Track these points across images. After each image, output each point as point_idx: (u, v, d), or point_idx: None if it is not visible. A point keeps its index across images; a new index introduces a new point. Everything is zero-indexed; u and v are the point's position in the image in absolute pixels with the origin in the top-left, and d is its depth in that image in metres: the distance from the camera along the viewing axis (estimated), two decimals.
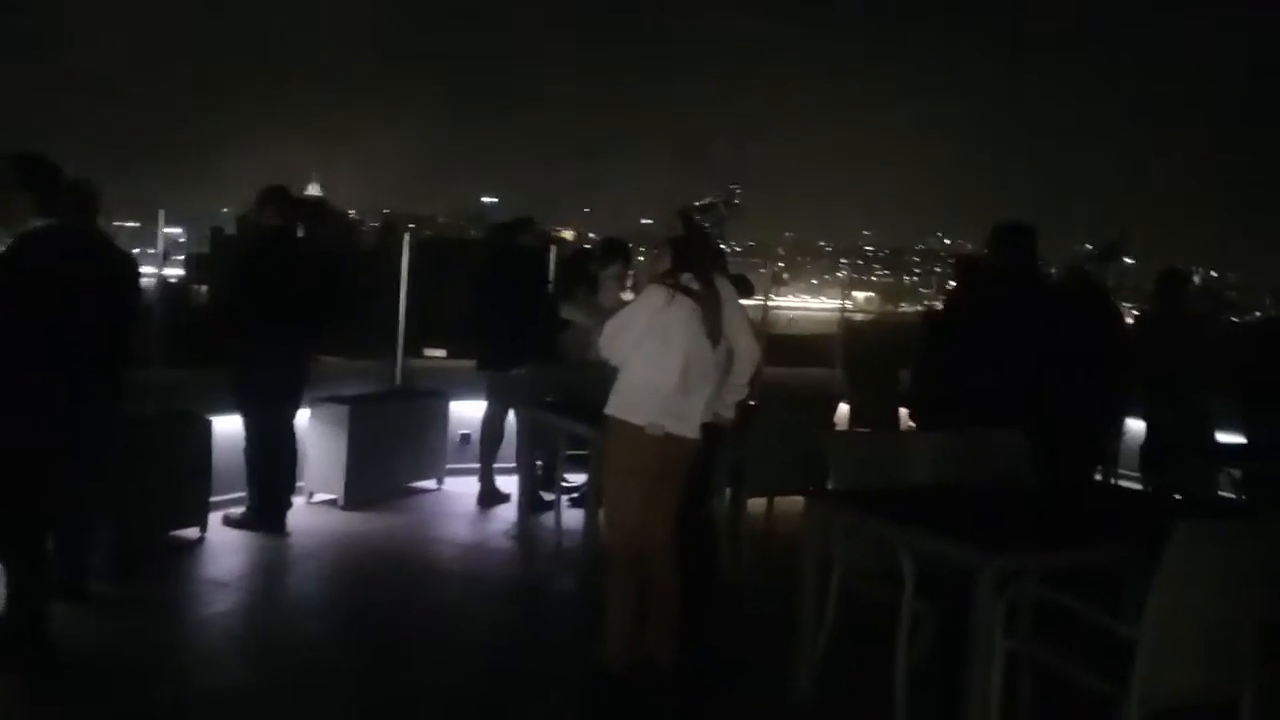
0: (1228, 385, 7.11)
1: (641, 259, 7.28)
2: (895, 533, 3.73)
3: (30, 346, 4.07)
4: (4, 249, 4.13)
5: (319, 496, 6.84)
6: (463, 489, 7.38)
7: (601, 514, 4.64)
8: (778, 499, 6.65)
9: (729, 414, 4.39)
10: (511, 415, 7.07)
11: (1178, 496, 5.59)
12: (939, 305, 6.80)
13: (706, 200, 4.45)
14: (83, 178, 4.60)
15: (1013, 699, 3.76)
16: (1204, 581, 3.13)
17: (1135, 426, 7.48)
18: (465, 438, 7.74)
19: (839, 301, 12.63)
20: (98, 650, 4.38)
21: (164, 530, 5.77)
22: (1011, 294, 5.30)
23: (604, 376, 4.29)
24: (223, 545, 5.84)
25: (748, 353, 4.29)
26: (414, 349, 8.20)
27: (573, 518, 6.45)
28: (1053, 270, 6.95)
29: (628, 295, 6.57)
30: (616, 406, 4.13)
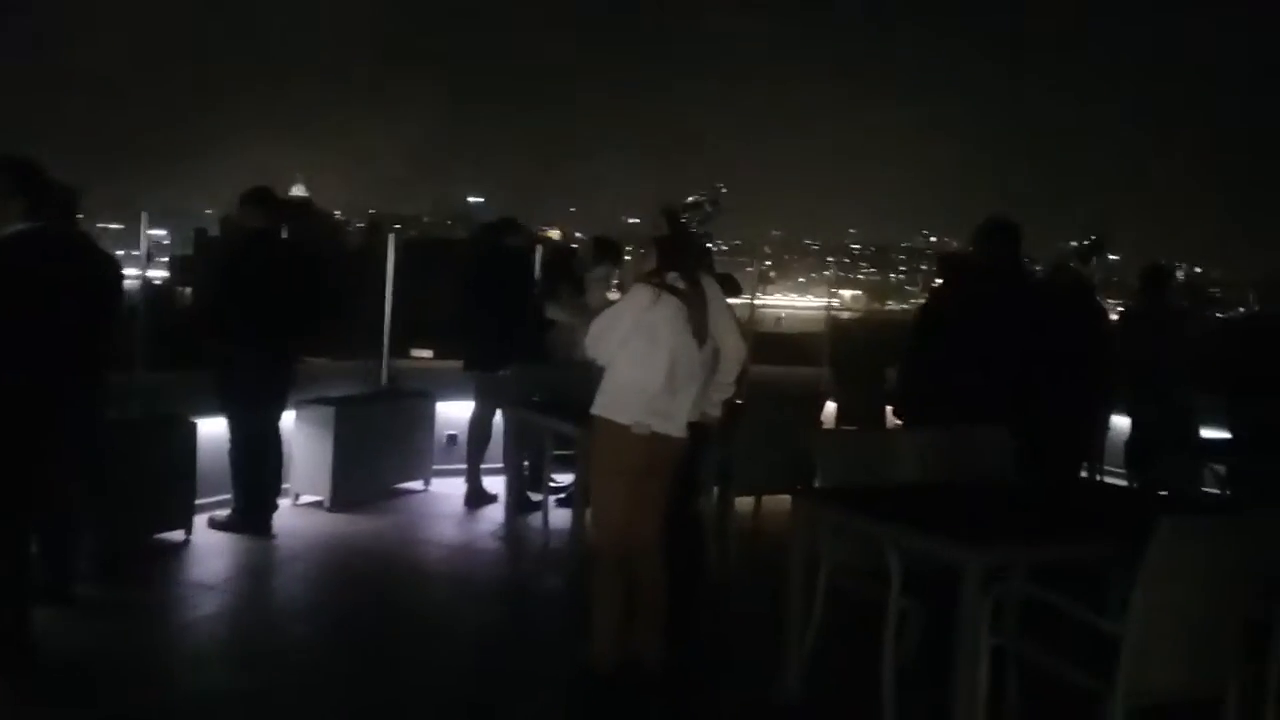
0: (1211, 381, 7.14)
1: (629, 259, 7.29)
2: (881, 530, 3.74)
3: (13, 348, 4.06)
4: None
5: (305, 498, 6.82)
6: (450, 490, 7.37)
7: (589, 514, 4.64)
8: (765, 497, 6.66)
9: (716, 413, 4.39)
10: (498, 416, 7.06)
11: (1162, 492, 5.62)
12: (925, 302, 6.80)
13: (692, 199, 4.44)
14: (58, 180, 4.58)
15: (999, 695, 3.77)
16: (1188, 577, 3.14)
17: (1120, 423, 7.52)
18: (452, 438, 7.73)
19: (825, 300, 12.64)
20: (82, 653, 4.36)
21: (149, 533, 5.75)
22: (997, 291, 5.31)
23: (590, 376, 4.28)
24: (208, 548, 5.82)
25: (734, 351, 4.29)
26: (401, 350, 8.18)
27: (560, 518, 6.45)
28: (1038, 267, 6.97)
29: (614, 295, 6.57)
30: (602, 406, 4.13)
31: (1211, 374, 7.20)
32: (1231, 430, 6.79)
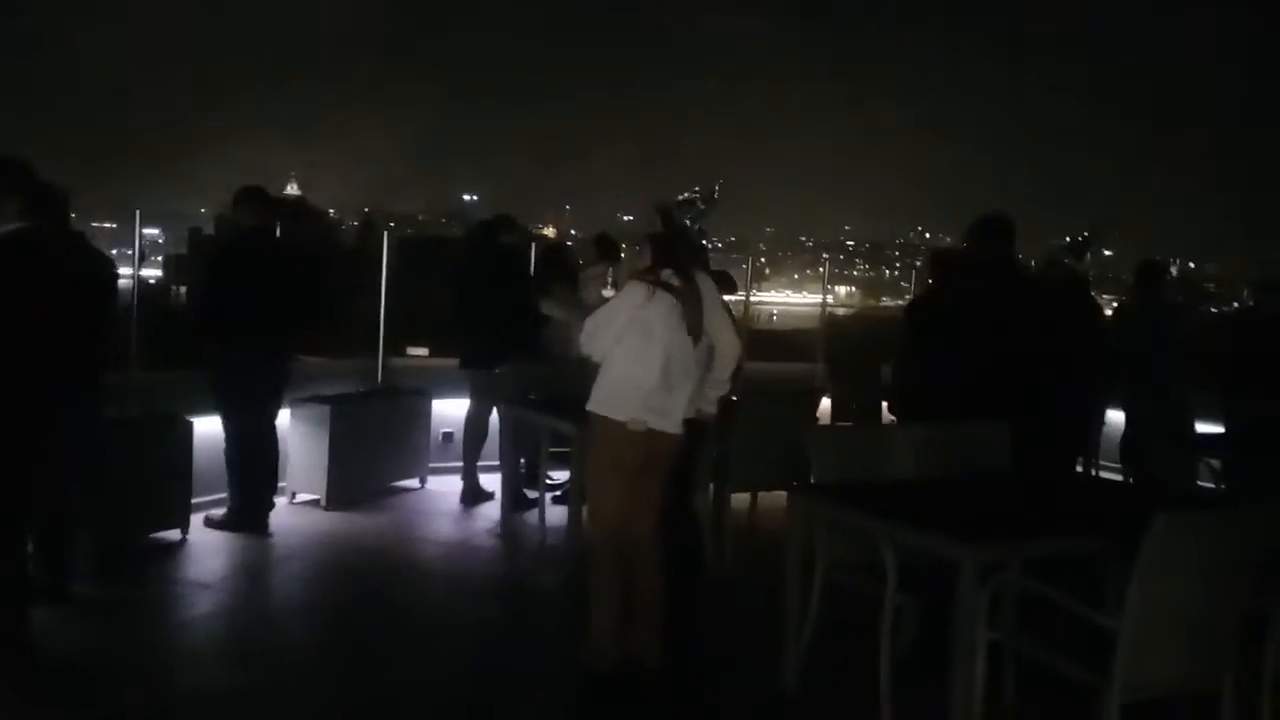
0: (1206, 375, 7.16)
1: (625, 257, 7.29)
2: (877, 526, 3.74)
3: (10, 348, 4.06)
4: None
5: (301, 496, 6.82)
6: (446, 488, 7.37)
7: (585, 511, 4.64)
8: (761, 494, 6.67)
9: (711, 409, 4.39)
10: (494, 413, 7.06)
11: (1158, 487, 5.63)
12: (913, 298, 6.81)
13: (685, 196, 4.44)
14: (50, 181, 4.59)
15: (996, 690, 3.78)
16: (1183, 572, 3.15)
17: (1115, 418, 7.53)
18: (448, 436, 7.73)
19: (820, 296, 12.65)
20: (80, 653, 4.35)
21: (145, 532, 5.74)
22: (991, 286, 5.31)
23: (586, 373, 4.29)
24: (205, 547, 5.82)
25: (729, 348, 4.29)
26: (396, 348, 8.18)
27: (556, 515, 6.45)
28: (1032, 263, 6.98)
29: (609, 292, 6.57)
30: (598, 403, 4.13)
31: (1206, 369, 7.22)
32: (1226, 425, 6.81)
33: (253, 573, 5.65)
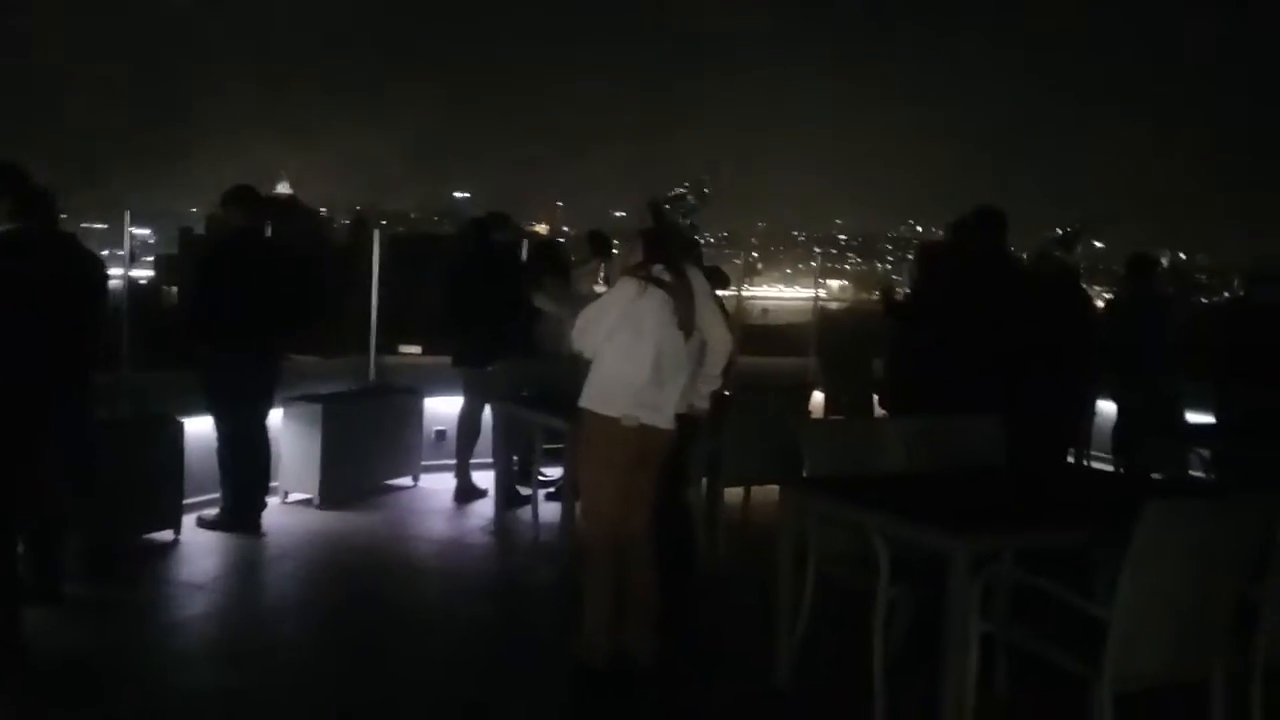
0: (1197, 366, 7.18)
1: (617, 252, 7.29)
2: (869, 519, 3.75)
3: (1, 348, 4.05)
4: None
5: (294, 496, 6.81)
6: (439, 485, 7.36)
7: (578, 507, 4.64)
8: (754, 488, 6.67)
9: (703, 405, 4.39)
10: (487, 411, 7.06)
11: (1149, 477, 5.65)
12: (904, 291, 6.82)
13: (676, 191, 4.44)
14: (38, 182, 4.58)
15: (989, 681, 3.79)
16: (1174, 561, 3.15)
17: (1106, 408, 7.55)
18: (441, 434, 7.73)
19: (813, 290, 12.66)
20: (72, 653, 4.35)
21: (137, 532, 5.73)
22: (983, 279, 5.32)
23: (578, 370, 4.29)
24: (197, 547, 5.81)
25: (720, 343, 4.29)
26: (389, 346, 8.17)
27: (550, 512, 6.46)
28: (1024, 256, 6.99)
29: (600, 288, 6.58)
30: (590, 399, 4.13)
31: (1197, 359, 7.24)
32: (1217, 415, 6.83)
33: (245, 573, 5.64)
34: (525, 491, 6.79)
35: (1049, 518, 3.84)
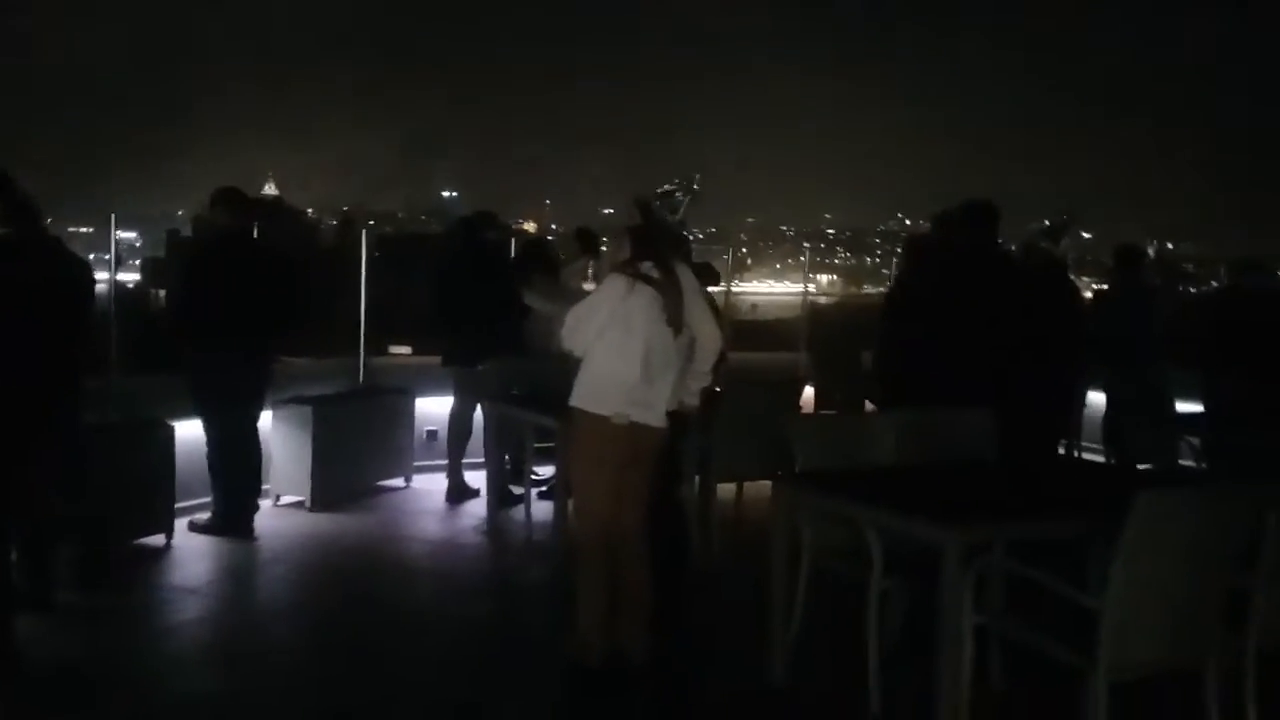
0: (1186, 356, 7.20)
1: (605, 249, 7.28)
2: (861, 513, 3.75)
3: None
4: None
5: (286, 499, 6.79)
6: (431, 486, 7.35)
7: (571, 506, 4.64)
8: (746, 484, 6.67)
9: (694, 401, 4.39)
10: (478, 410, 7.05)
11: (1140, 467, 5.66)
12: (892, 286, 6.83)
13: (664, 188, 4.44)
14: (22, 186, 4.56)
15: (983, 674, 3.80)
16: (1166, 551, 3.16)
17: (1096, 399, 7.57)
18: (432, 434, 7.71)
19: (802, 285, 12.68)
20: (65, 660, 4.33)
21: (129, 537, 5.71)
22: (972, 271, 5.33)
23: (569, 368, 4.28)
24: (189, 551, 5.79)
25: (710, 340, 4.29)
26: (378, 347, 8.15)
27: (542, 511, 6.45)
28: (1013, 248, 7.00)
29: (589, 285, 6.56)
30: (580, 398, 4.13)
31: (1186, 349, 7.26)
32: (1206, 404, 6.85)
33: (238, 576, 5.63)
34: (518, 491, 6.78)
35: (1040, 509, 3.84)
